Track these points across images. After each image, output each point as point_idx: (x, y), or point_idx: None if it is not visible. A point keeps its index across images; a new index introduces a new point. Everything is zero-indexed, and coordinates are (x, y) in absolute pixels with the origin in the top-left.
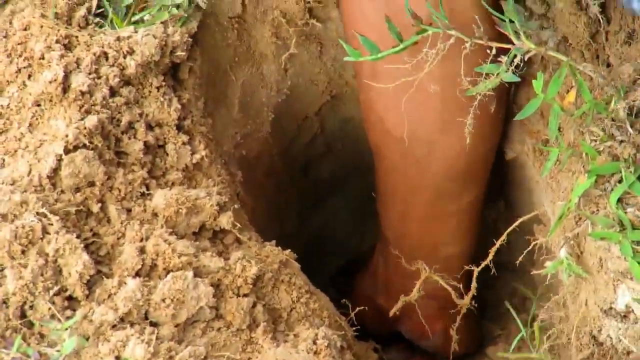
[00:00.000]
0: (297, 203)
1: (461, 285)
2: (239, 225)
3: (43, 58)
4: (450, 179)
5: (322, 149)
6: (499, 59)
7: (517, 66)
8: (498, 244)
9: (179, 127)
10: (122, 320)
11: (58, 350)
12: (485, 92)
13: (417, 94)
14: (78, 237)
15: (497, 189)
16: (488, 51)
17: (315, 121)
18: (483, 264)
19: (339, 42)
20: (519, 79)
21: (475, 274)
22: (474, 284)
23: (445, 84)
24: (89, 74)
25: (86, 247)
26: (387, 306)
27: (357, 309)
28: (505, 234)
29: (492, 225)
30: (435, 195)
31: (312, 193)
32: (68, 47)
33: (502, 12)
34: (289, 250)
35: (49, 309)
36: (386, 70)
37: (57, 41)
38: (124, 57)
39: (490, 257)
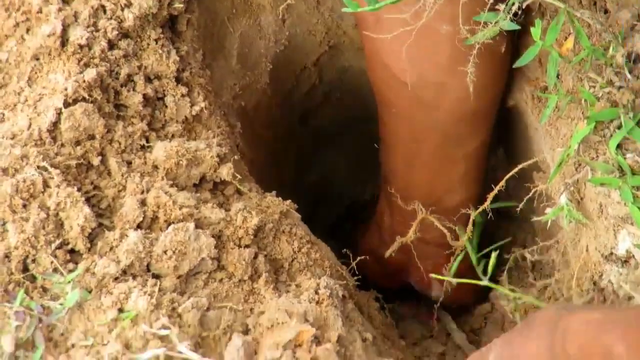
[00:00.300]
0: (296, 153)
1: (465, 236)
2: (239, 176)
3: (41, 12)
4: (459, 122)
5: (320, 99)
6: (497, 7)
7: (515, 14)
8: (496, 189)
9: (178, 79)
10: (124, 272)
11: (61, 304)
12: (489, 41)
13: (426, 38)
14: (79, 190)
15: (496, 137)
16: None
17: (314, 71)
18: (481, 208)
19: None
20: (518, 27)
21: (473, 216)
22: (469, 227)
23: (456, 23)
24: (87, 27)
25: (87, 200)
26: (393, 258)
27: (359, 258)
28: (504, 179)
29: (491, 173)
30: (443, 139)
31: (310, 143)
32: (66, 1)
33: None
34: (289, 200)
35: (51, 262)
36: (390, 18)
37: None
38: (122, 10)
39: (488, 202)
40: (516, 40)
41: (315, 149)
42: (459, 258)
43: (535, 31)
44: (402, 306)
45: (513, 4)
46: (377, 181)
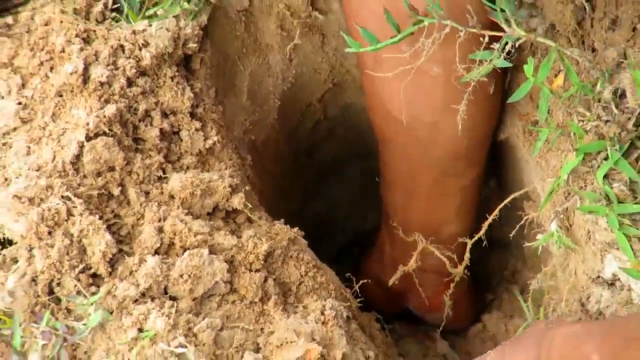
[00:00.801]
0: (302, 184)
1: (462, 264)
2: (249, 205)
3: (64, 51)
4: (453, 158)
5: (325, 133)
6: (492, 46)
7: (508, 53)
8: (490, 218)
9: (192, 115)
10: (143, 295)
11: (84, 324)
12: (483, 79)
13: (419, 79)
14: (100, 218)
15: (489, 169)
16: (481, 39)
17: (318, 108)
18: (476, 237)
19: (340, 33)
20: (510, 64)
21: (469, 245)
22: (467, 255)
23: (447, 67)
24: (107, 65)
25: (108, 227)
26: (395, 284)
27: (361, 282)
28: (498, 209)
29: (484, 203)
30: (439, 174)
31: (315, 175)
32: (87, 41)
33: (494, 2)
34: (297, 228)
35: (75, 285)
36: (388, 59)
37: (77, 35)
38: (140, 50)
39: (483, 230)
40: (507, 78)
41: (319, 180)
42: (457, 278)
43: (527, 68)
44: (401, 327)
45: (507, 43)
46: (378, 211)
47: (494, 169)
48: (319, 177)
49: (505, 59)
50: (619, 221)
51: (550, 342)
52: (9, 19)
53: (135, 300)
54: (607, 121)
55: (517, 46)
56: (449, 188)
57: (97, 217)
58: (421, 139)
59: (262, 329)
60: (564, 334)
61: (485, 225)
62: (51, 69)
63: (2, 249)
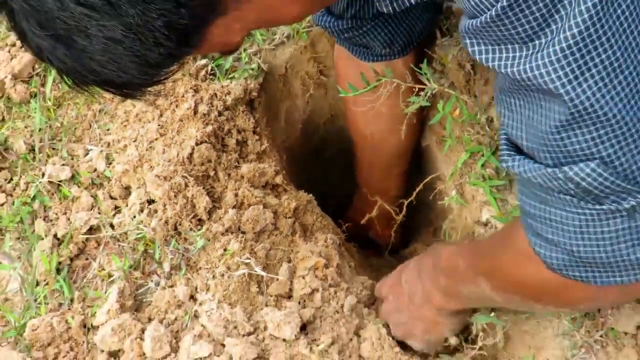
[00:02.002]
0: (311, 170)
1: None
2: (285, 181)
3: (184, 96)
4: (395, 156)
5: (326, 142)
6: (420, 93)
7: (428, 98)
8: (418, 188)
9: (254, 132)
10: (226, 230)
11: (194, 247)
12: (413, 111)
13: (377, 113)
14: (203, 188)
15: (418, 163)
16: (414, 89)
17: (323, 128)
18: (410, 199)
19: (336, 87)
20: (429, 104)
21: (406, 204)
22: (403, 212)
23: (392, 105)
24: (207, 104)
25: (207, 193)
26: (365, 224)
27: (346, 225)
28: (422, 184)
29: (417, 181)
30: (387, 165)
31: (318, 165)
32: (196, 90)
33: (420, 69)
34: (311, 194)
35: (189, 225)
36: (362, 100)
37: (191, 87)
38: (225, 95)
39: (414, 195)
40: (425, 112)
41: (322, 168)
42: (398, 222)
43: (440, 106)
44: (367, 251)
45: (427, 92)
46: (354, 184)
47: (420, 162)
48: (322, 166)
49: (427, 101)
50: (490, 189)
51: (440, 253)
52: None
53: (222, 233)
54: (483, 135)
55: (433, 94)
56: (392, 172)
57: (202, 187)
58: (376, 146)
59: (292, 250)
60: (448, 250)
61: (415, 193)
62: (176, 106)
63: (149, 205)
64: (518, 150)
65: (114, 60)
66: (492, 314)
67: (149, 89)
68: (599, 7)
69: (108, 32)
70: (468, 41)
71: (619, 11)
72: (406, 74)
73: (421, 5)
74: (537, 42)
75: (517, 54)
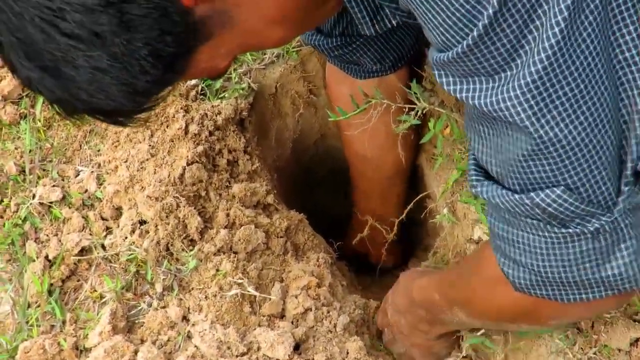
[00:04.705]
0: (301, 189)
1: (392, 233)
2: (276, 201)
3: (174, 117)
4: (393, 176)
5: (316, 161)
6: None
7: (419, 117)
8: (408, 207)
9: (245, 151)
10: (218, 251)
11: (186, 267)
12: (410, 128)
13: (371, 133)
14: (195, 208)
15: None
16: (404, 109)
17: (313, 147)
18: (400, 218)
19: (325, 109)
20: (419, 122)
21: (397, 223)
22: (395, 229)
23: (388, 123)
24: (198, 124)
25: (199, 213)
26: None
27: (338, 243)
28: (412, 202)
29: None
30: (384, 186)
31: (309, 185)
32: (187, 110)
33: (410, 88)
34: (302, 214)
35: (181, 245)
36: (355, 123)
37: (181, 108)
38: (216, 115)
39: (404, 214)
40: (420, 130)
41: (311, 187)
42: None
43: (431, 124)
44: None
45: (417, 111)
46: (344, 205)
47: (412, 180)
48: (311, 186)
49: (418, 120)
50: (481, 207)
51: (415, 285)
52: None
53: (214, 254)
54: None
55: (424, 113)
56: (390, 193)
57: (193, 207)
58: (373, 166)
59: (284, 269)
60: (421, 281)
61: (406, 211)
62: (167, 126)
63: (141, 225)
64: (486, 174)
65: (102, 89)
66: (480, 332)
67: (139, 115)
68: (561, 44)
69: (94, 62)
70: (436, 72)
71: (582, 46)
72: (401, 88)
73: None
74: (502, 74)
75: (484, 86)
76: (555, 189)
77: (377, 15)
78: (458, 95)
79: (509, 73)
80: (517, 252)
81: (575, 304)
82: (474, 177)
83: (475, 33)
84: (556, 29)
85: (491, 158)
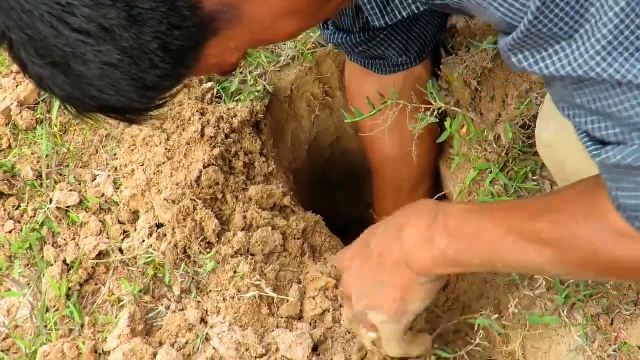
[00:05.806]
0: (319, 190)
1: None
2: (293, 202)
3: (190, 120)
4: (417, 175)
5: (332, 163)
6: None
7: (436, 116)
8: None
9: (261, 154)
10: (236, 253)
11: (204, 269)
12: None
13: (391, 132)
14: (212, 211)
15: None
16: (420, 109)
17: (329, 150)
18: None
19: (341, 111)
20: (437, 120)
21: None
22: None
23: (402, 127)
24: (214, 127)
25: (216, 216)
26: None
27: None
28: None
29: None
30: (409, 187)
31: (325, 186)
32: (203, 113)
33: (426, 89)
34: (319, 215)
35: (198, 248)
36: (376, 124)
37: (197, 111)
38: (232, 118)
39: None
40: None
41: (329, 190)
42: None
43: (447, 124)
44: None
45: (434, 110)
46: (359, 207)
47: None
48: (327, 186)
49: (435, 119)
50: None
51: (446, 213)
52: None
53: (232, 256)
54: (490, 152)
55: (440, 112)
56: (416, 194)
57: (210, 210)
58: (399, 166)
59: (301, 271)
60: (458, 207)
61: None
62: (183, 129)
63: (158, 229)
64: (603, 143)
65: (112, 85)
66: (495, 317)
67: (152, 113)
68: None
69: (104, 57)
70: (514, 59)
71: None
72: (412, 94)
73: (427, 11)
74: (579, 32)
75: (567, 52)
76: None
77: (387, 7)
78: (546, 72)
79: (586, 28)
80: None
81: None
82: (592, 148)
83: None
84: None
85: (603, 123)
